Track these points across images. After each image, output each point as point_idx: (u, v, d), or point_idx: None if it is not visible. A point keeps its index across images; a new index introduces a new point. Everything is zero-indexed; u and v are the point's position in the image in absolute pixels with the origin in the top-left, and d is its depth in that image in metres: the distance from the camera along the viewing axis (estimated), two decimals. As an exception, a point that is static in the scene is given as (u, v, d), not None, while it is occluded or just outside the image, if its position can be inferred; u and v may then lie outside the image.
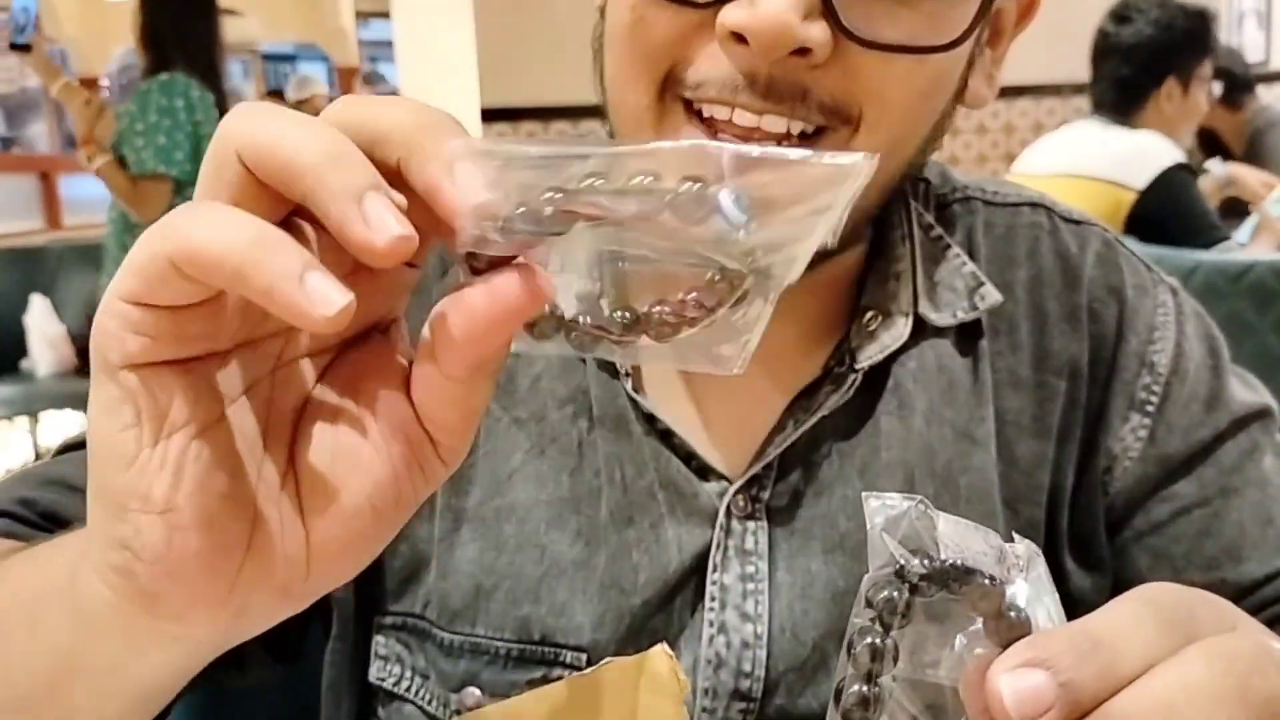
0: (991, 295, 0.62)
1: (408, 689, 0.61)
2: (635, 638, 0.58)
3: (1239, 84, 3.11)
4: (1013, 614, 0.31)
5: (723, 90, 0.50)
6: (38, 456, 4.34)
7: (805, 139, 0.50)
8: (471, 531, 0.60)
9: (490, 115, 3.94)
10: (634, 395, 0.59)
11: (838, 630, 0.58)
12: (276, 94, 11.52)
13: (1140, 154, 2.20)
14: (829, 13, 0.47)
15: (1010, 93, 4.04)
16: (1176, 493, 0.62)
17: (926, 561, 0.31)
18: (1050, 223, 0.65)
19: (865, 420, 0.60)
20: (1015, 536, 0.34)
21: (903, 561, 0.31)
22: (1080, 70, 3.11)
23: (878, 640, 0.31)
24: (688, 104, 0.52)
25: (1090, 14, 2.46)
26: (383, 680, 0.62)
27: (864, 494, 0.34)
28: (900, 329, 0.60)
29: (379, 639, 0.62)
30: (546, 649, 0.58)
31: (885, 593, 0.32)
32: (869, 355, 0.59)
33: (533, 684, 0.58)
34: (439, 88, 7.28)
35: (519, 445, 0.60)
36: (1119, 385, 0.63)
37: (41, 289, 3.87)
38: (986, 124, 4.10)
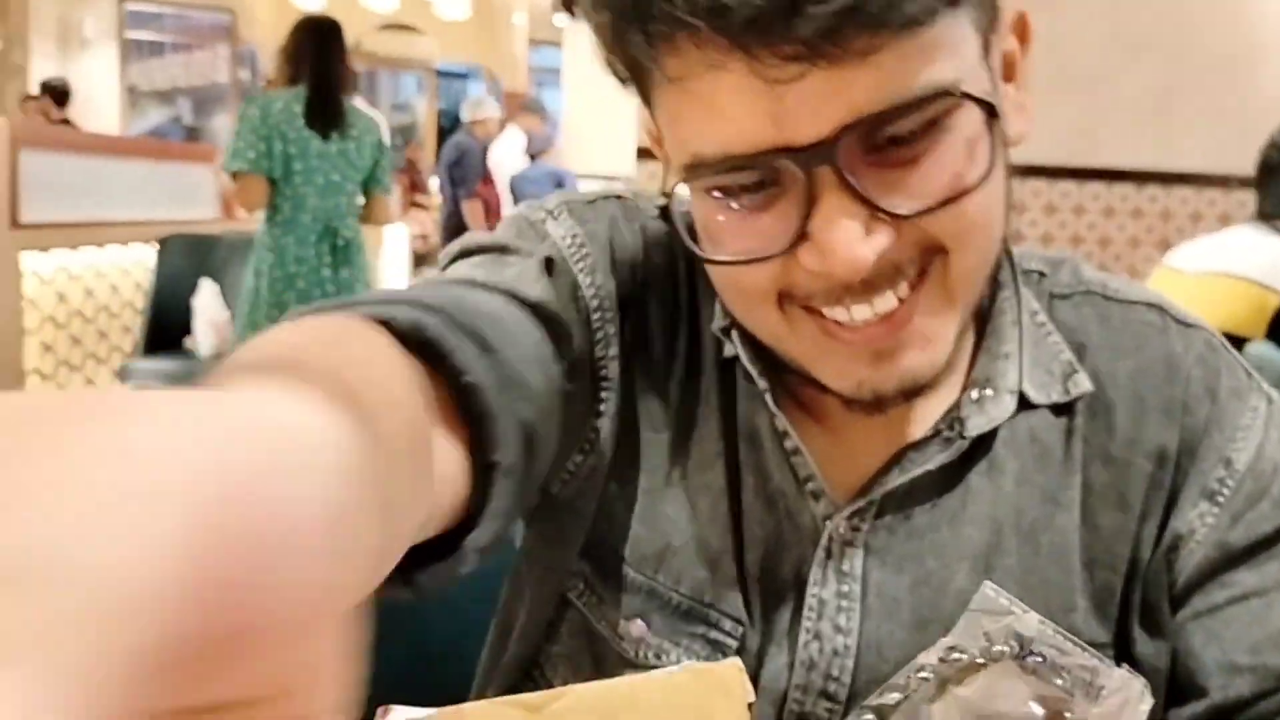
0: (1083, 384, 0.67)
1: (585, 603, 0.70)
2: (763, 621, 0.67)
3: None
4: None
5: (829, 299, 0.57)
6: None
7: (910, 290, 0.57)
8: (674, 495, 0.69)
9: (644, 154, 4.06)
10: (774, 411, 0.67)
11: (915, 654, 0.63)
12: (446, 113, 11.94)
13: None
14: (878, 212, 0.53)
15: (1171, 179, 3.99)
16: (1235, 580, 0.66)
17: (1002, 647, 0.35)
18: (1163, 322, 0.70)
19: (960, 476, 0.67)
20: (1126, 670, 0.36)
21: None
22: (1245, 164, 3.07)
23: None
24: (808, 309, 0.59)
25: (1262, 109, 2.44)
26: (567, 590, 0.71)
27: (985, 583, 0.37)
28: (1006, 405, 0.66)
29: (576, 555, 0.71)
30: (712, 612, 0.67)
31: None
32: (977, 426, 0.65)
33: (693, 638, 0.67)
34: (599, 119, 7.47)
35: (709, 435, 0.69)
36: (1195, 474, 0.67)
37: (211, 274, 4.14)
38: (1144, 208, 4.05)
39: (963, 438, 0.65)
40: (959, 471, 0.67)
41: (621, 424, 0.69)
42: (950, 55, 0.53)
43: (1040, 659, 0.35)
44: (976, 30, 0.55)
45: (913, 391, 0.61)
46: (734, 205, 0.57)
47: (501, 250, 0.66)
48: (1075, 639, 0.40)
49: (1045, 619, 0.38)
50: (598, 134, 7.09)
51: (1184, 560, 0.67)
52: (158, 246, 4.28)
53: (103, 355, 4.29)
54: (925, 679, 0.35)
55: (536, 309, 0.60)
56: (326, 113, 3.51)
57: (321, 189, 3.55)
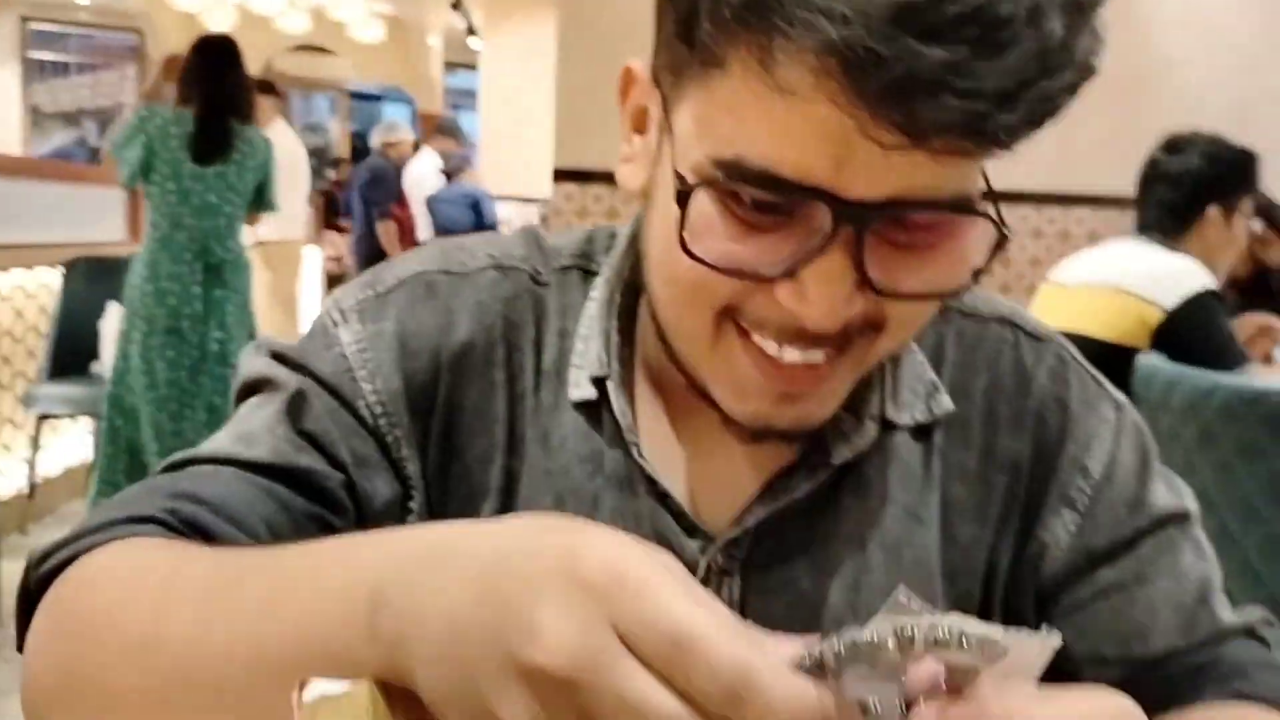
0: (945, 403, 0.71)
1: None
2: None
3: (1276, 219, 3.23)
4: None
5: (777, 335, 0.58)
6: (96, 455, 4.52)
7: (838, 351, 0.59)
8: None
9: (561, 175, 4.10)
10: (640, 461, 0.69)
11: None
12: (359, 135, 11.81)
13: (1173, 275, 2.29)
14: (864, 281, 0.54)
15: (1069, 200, 4.14)
16: (1098, 579, 0.71)
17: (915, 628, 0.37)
18: (1014, 336, 0.74)
19: (830, 499, 0.70)
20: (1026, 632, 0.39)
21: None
22: (1082, 182, 3.18)
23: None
24: (741, 330, 0.59)
25: (1151, 132, 2.57)
26: None
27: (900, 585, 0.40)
28: (870, 432, 0.69)
29: None
30: None
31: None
32: (841, 454, 0.68)
33: None
34: (515, 141, 7.47)
35: (549, 492, 0.70)
36: (1055, 485, 0.71)
37: (117, 297, 4.05)
38: (1043, 229, 4.20)
39: (828, 465, 0.68)
40: (829, 494, 0.69)
41: (438, 514, 0.70)
42: (978, 175, 0.57)
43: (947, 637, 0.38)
44: None
45: (791, 436, 0.64)
46: (740, 214, 0.56)
47: (267, 386, 0.69)
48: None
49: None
50: (514, 156, 7.10)
51: (1050, 565, 0.71)
52: (63, 269, 4.19)
53: (6, 381, 4.17)
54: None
55: (258, 468, 0.65)
56: (211, 141, 3.58)
57: (197, 210, 3.59)
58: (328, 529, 0.65)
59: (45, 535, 3.52)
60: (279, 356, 0.70)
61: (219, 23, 8.57)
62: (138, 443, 3.64)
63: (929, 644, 0.37)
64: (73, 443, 4.59)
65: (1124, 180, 2.57)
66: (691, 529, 0.69)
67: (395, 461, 0.69)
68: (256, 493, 0.64)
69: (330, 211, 7.93)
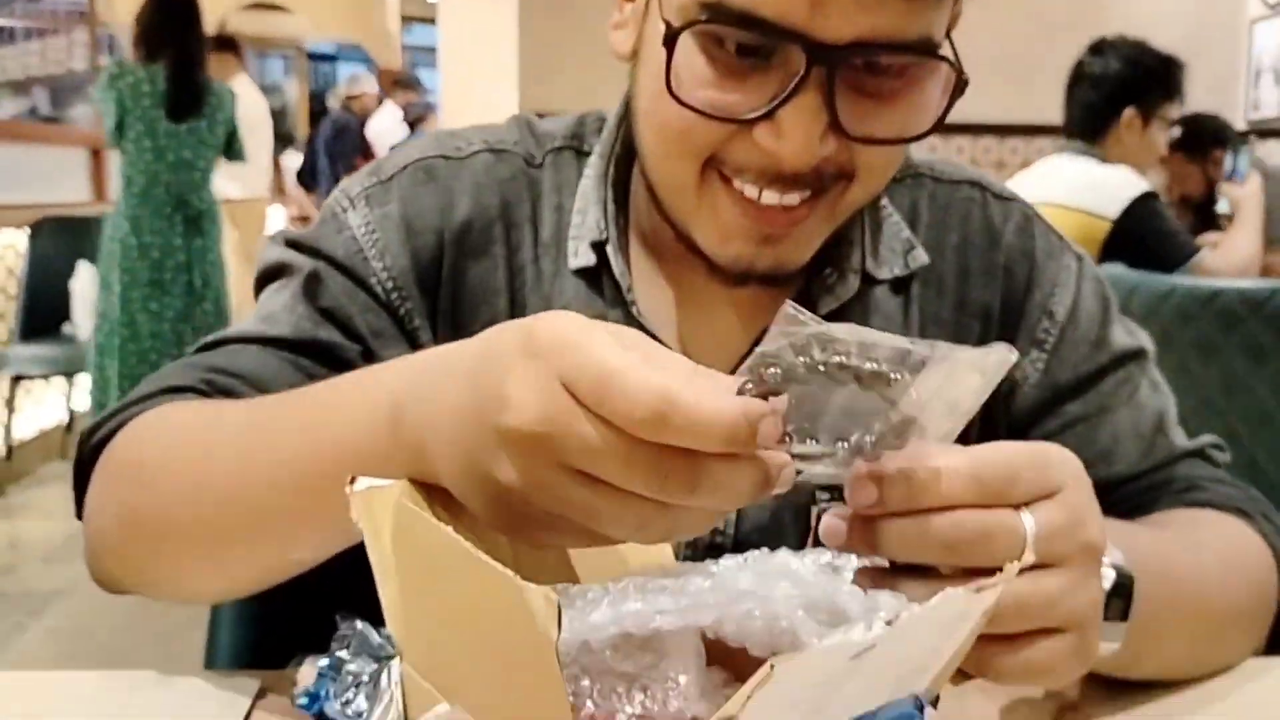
0: (920, 257, 0.77)
1: None
2: None
3: (1230, 142, 3.32)
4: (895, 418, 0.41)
5: (757, 179, 0.63)
6: (71, 416, 4.52)
7: (813, 196, 0.65)
8: None
9: (526, 121, 4.10)
10: (640, 319, 0.74)
11: (791, 505, 0.72)
12: (317, 95, 11.68)
13: (1111, 186, 2.38)
14: (836, 125, 0.60)
15: (1031, 131, 4.21)
16: (1065, 411, 0.77)
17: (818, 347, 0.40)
18: (982, 197, 0.80)
19: None
20: (921, 343, 0.42)
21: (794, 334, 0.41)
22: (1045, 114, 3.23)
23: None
24: (724, 177, 0.64)
25: (1058, 62, 2.64)
26: None
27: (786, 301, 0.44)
28: (852, 284, 0.75)
29: None
30: None
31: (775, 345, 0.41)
32: (827, 304, 0.74)
33: None
34: (480, 91, 7.42)
35: None
36: (1024, 328, 0.78)
37: (87, 256, 4.05)
38: (1006, 159, 4.27)
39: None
40: None
41: None
42: (943, 23, 0.62)
43: (847, 352, 0.42)
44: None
45: (771, 278, 0.69)
46: (722, 60, 0.61)
47: (284, 272, 0.74)
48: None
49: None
50: (478, 107, 7.07)
51: (1020, 401, 0.78)
52: (29, 231, 4.17)
53: (-23, 344, 4.17)
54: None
55: (282, 343, 0.71)
56: (184, 97, 3.63)
57: (173, 165, 3.66)
58: None
59: (23, 497, 3.55)
60: (294, 244, 0.75)
61: (171, -18, 8.44)
62: (113, 396, 3.68)
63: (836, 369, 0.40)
64: (47, 404, 4.58)
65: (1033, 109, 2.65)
66: None
67: (409, 333, 0.74)
68: (282, 364, 0.70)
69: (303, 171, 7.91)
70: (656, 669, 0.41)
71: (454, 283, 0.75)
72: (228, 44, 5.95)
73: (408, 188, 0.75)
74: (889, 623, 0.38)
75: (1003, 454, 0.47)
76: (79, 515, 0.67)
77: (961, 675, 0.48)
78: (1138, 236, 2.31)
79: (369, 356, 0.72)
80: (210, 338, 0.74)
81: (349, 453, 0.52)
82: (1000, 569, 0.43)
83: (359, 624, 0.50)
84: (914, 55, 0.61)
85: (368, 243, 0.74)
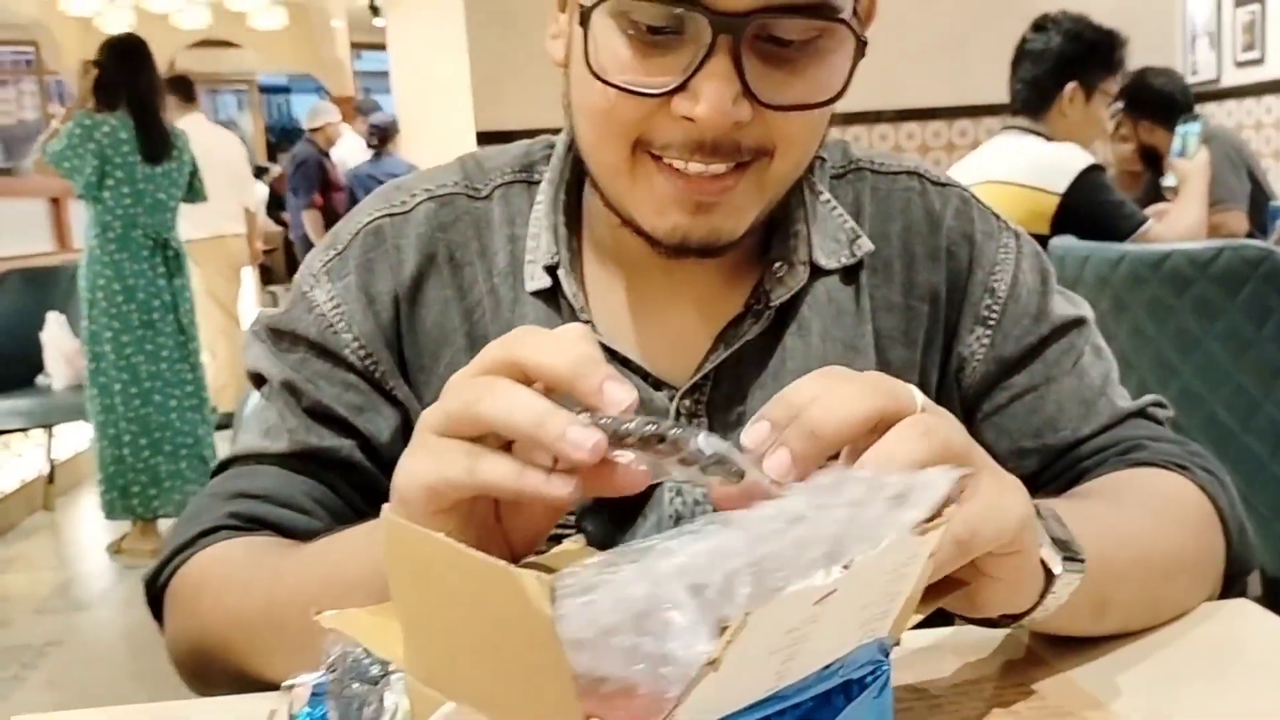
0: (866, 245, 0.81)
1: None
2: (616, 506, 0.76)
3: (1178, 104, 3.36)
4: (705, 452, 0.48)
5: (682, 152, 0.67)
6: (51, 467, 4.51)
7: (738, 168, 0.69)
8: None
9: (484, 138, 4.14)
10: (597, 336, 0.77)
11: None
12: (272, 129, 11.62)
13: (1056, 160, 2.43)
14: (748, 92, 0.64)
15: (978, 111, 4.28)
16: (1012, 383, 0.81)
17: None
18: (921, 186, 0.84)
19: (775, 341, 0.79)
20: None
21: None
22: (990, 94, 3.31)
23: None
24: (654, 156, 0.68)
25: (1001, 41, 2.70)
26: None
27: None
28: (800, 275, 0.79)
29: None
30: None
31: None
32: (779, 296, 0.78)
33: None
34: (435, 113, 7.46)
35: None
36: (968, 307, 0.82)
37: (56, 307, 4.06)
38: (955, 141, 4.34)
39: (769, 308, 0.78)
40: (775, 337, 0.79)
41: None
42: None
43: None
44: None
45: (709, 249, 0.72)
46: (635, 37, 0.65)
47: (266, 380, 0.81)
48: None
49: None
50: (434, 127, 7.09)
51: (969, 377, 0.82)
52: (-6, 285, 4.17)
53: (-50, 402, 4.16)
54: None
55: (285, 458, 0.78)
56: (154, 141, 3.69)
57: (150, 207, 3.71)
58: (356, 478, 0.79)
59: (10, 550, 3.58)
60: (274, 331, 0.81)
61: (116, 25, 8.41)
62: (123, 441, 3.72)
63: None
64: (26, 456, 4.57)
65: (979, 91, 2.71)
66: (657, 384, 0.78)
67: (387, 392, 0.79)
68: (293, 478, 0.78)
69: (272, 205, 7.95)
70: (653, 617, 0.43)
71: (412, 333, 0.79)
72: (180, 84, 5.97)
73: (359, 255, 0.80)
74: (845, 567, 0.41)
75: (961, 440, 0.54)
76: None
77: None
78: (1085, 210, 2.35)
79: (361, 439, 0.78)
80: (224, 457, 0.82)
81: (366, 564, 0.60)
82: (939, 514, 0.47)
83: (345, 646, 0.52)
84: (815, 18, 0.65)
85: (335, 317, 0.78)
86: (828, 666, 0.43)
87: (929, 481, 0.47)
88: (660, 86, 0.65)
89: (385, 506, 0.51)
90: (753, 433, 0.51)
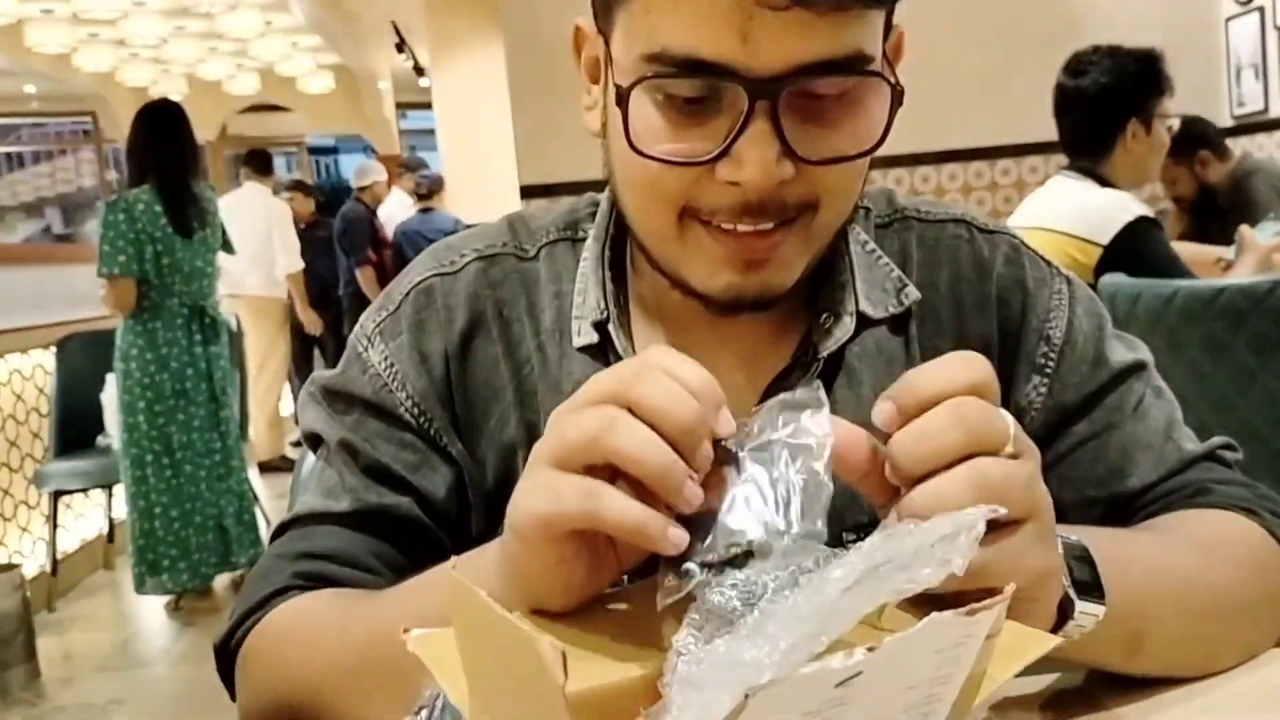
0: (913, 293, 0.81)
1: None
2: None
3: (1214, 141, 3.33)
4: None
5: (730, 216, 0.68)
6: (111, 526, 4.59)
7: (784, 223, 0.70)
8: None
9: (528, 191, 4.20)
10: None
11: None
12: (321, 188, 11.84)
13: (1102, 211, 2.35)
14: (789, 151, 0.65)
15: (1020, 151, 4.27)
16: (1073, 432, 0.80)
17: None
18: (969, 234, 0.84)
19: (826, 394, 0.79)
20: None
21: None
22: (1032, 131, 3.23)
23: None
24: (702, 221, 0.69)
25: (1040, 78, 2.65)
26: None
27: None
28: (848, 325, 0.79)
29: None
30: None
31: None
32: (827, 347, 0.78)
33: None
34: (479, 169, 7.56)
35: None
36: (1023, 355, 0.81)
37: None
38: (998, 181, 4.33)
39: (817, 360, 0.77)
40: (826, 389, 0.78)
41: (483, 480, 0.81)
42: (874, 40, 0.67)
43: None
44: (883, 29, 0.69)
45: (761, 304, 0.72)
46: (673, 111, 0.66)
47: (322, 441, 0.82)
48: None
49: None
50: (479, 182, 7.20)
51: (1029, 426, 0.79)
52: (56, 349, 4.27)
53: (15, 464, 4.24)
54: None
55: (347, 518, 0.79)
56: (183, 212, 3.68)
57: (186, 275, 3.71)
58: (416, 535, 0.79)
59: (72, 609, 3.63)
60: (329, 391, 0.82)
61: (169, 93, 8.66)
62: (154, 514, 3.73)
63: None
64: (87, 515, 4.65)
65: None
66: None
67: (442, 449, 0.80)
68: (355, 537, 0.79)
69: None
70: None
71: (463, 390, 0.80)
72: (257, 158, 6.18)
73: (411, 315, 0.81)
74: (870, 649, 0.38)
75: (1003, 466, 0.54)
76: (232, 698, 0.78)
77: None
78: (1130, 262, 2.28)
79: (419, 496, 0.79)
80: (284, 519, 0.82)
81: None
82: (995, 592, 0.45)
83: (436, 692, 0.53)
84: (848, 73, 0.66)
85: (390, 376, 0.80)
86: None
87: (961, 526, 0.46)
88: (702, 155, 0.66)
89: (448, 563, 0.52)
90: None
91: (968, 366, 0.53)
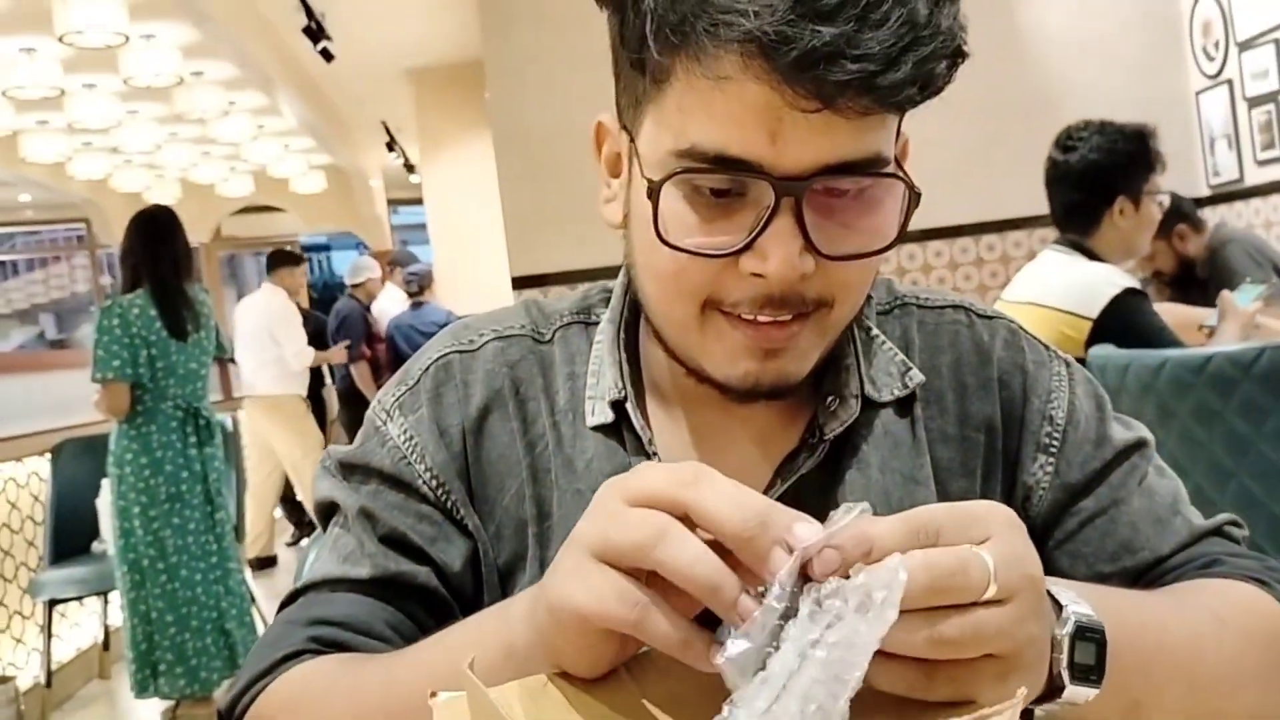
0: (917, 376, 0.83)
1: None
2: None
3: (1190, 215, 3.40)
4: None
5: (752, 307, 0.70)
6: (106, 634, 4.52)
7: (801, 315, 0.72)
8: None
9: (519, 282, 4.24)
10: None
11: None
12: (314, 285, 11.92)
13: (1090, 285, 2.37)
14: (810, 246, 0.67)
15: (1004, 226, 4.33)
16: (1081, 508, 0.81)
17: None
18: (968, 319, 0.86)
19: (835, 475, 0.80)
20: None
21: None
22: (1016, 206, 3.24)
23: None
24: (723, 312, 0.71)
25: (1021, 154, 2.69)
26: None
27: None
28: (852, 407, 0.80)
29: None
30: None
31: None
32: (833, 429, 0.80)
33: None
34: (471, 261, 7.63)
35: (581, 506, 0.79)
36: (1028, 435, 0.83)
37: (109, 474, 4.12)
38: (984, 256, 4.38)
39: (824, 441, 0.79)
40: (834, 471, 0.80)
41: (497, 553, 0.81)
42: (890, 143, 0.70)
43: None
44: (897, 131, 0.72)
45: (776, 392, 0.74)
46: (701, 203, 0.68)
47: (339, 509, 0.82)
48: None
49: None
50: (471, 274, 7.28)
51: (1037, 505, 0.82)
52: (51, 455, 4.26)
53: (9, 574, 4.20)
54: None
55: (363, 584, 0.79)
56: (177, 315, 3.71)
57: (181, 378, 3.73)
58: (431, 605, 0.79)
59: (66, 721, 3.44)
60: (346, 465, 0.83)
61: (163, 197, 8.76)
62: (152, 619, 3.68)
63: None
64: (82, 624, 4.59)
65: (1044, 199, 2.68)
66: None
67: (458, 522, 0.81)
68: (369, 604, 0.78)
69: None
70: None
71: (478, 464, 0.81)
72: (284, 258, 6.26)
73: (430, 390, 0.83)
74: None
75: (929, 510, 0.53)
76: None
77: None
78: (1119, 334, 2.30)
79: (435, 566, 0.79)
80: (295, 587, 0.82)
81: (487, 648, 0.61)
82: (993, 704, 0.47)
83: None
84: (868, 174, 0.68)
85: (409, 449, 0.81)
86: None
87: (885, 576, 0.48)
88: (727, 247, 0.68)
89: (465, 663, 0.53)
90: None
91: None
